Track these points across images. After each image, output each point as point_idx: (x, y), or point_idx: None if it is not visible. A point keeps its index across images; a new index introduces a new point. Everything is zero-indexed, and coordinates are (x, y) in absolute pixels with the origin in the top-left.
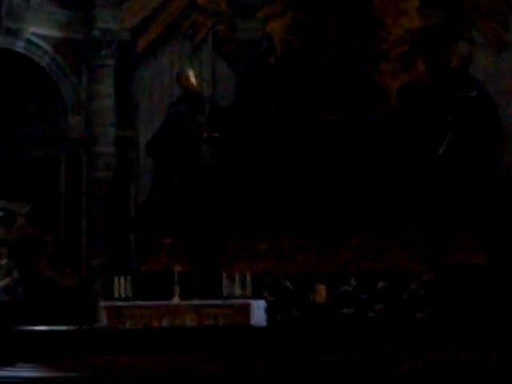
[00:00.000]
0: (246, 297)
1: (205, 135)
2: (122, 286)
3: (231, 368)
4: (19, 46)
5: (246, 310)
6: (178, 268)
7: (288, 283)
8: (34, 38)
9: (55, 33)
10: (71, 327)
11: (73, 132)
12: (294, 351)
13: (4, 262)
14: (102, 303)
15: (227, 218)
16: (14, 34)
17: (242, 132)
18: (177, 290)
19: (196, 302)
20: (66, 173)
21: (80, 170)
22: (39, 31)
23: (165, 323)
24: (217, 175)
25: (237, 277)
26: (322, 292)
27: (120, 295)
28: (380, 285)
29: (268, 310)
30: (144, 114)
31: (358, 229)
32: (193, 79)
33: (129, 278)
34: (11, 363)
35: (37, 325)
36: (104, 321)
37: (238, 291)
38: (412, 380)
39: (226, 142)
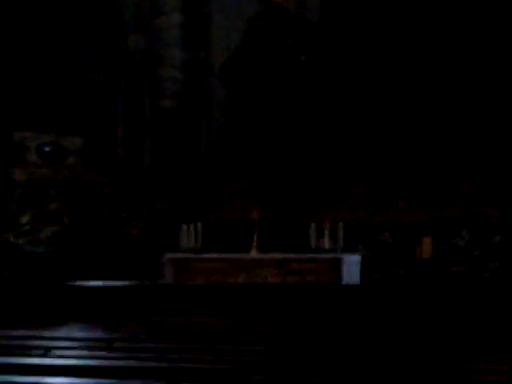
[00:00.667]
0: (337, 251)
1: (291, 59)
2: (190, 235)
3: (316, 334)
4: None
5: (336, 266)
6: (256, 215)
7: (387, 235)
8: None
9: None
10: (131, 283)
11: (133, 54)
12: (390, 315)
13: (53, 206)
14: (168, 255)
15: (315, 157)
16: None
17: (335, 54)
18: (255, 241)
19: (278, 255)
20: (124, 102)
21: (141, 99)
22: None
23: (241, 280)
24: (305, 106)
25: (326, 227)
26: (428, 246)
27: (188, 246)
28: (496, 239)
29: (363, 266)
30: (218, 32)
31: (475, 168)
32: None
33: (199, 226)
34: (62, 322)
35: (90, 280)
36: (169, 276)
37: (327, 244)
38: None
39: (316, 66)
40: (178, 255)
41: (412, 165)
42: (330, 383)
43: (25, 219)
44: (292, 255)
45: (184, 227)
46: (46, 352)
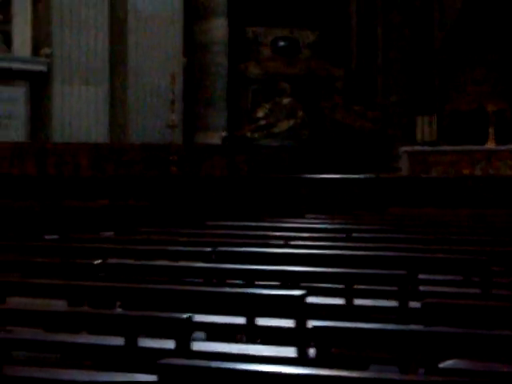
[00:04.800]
0: None
1: None
2: (425, 128)
3: None
4: None
5: None
6: (492, 107)
7: None
8: None
9: None
10: (367, 175)
11: None
12: None
13: (287, 100)
14: (403, 148)
15: None
16: None
17: None
18: (491, 132)
19: None
20: None
21: None
22: None
23: (478, 171)
24: None
25: None
26: None
27: (423, 139)
28: None
29: None
30: None
31: None
32: None
33: (434, 118)
34: (299, 214)
35: (323, 173)
36: (405, 168)
37: None
38: None
39: None
40: (415, 148)
41: None
42: None
43: (260, 113)
44: None
45: (419, 119)
46: (286, 242)
